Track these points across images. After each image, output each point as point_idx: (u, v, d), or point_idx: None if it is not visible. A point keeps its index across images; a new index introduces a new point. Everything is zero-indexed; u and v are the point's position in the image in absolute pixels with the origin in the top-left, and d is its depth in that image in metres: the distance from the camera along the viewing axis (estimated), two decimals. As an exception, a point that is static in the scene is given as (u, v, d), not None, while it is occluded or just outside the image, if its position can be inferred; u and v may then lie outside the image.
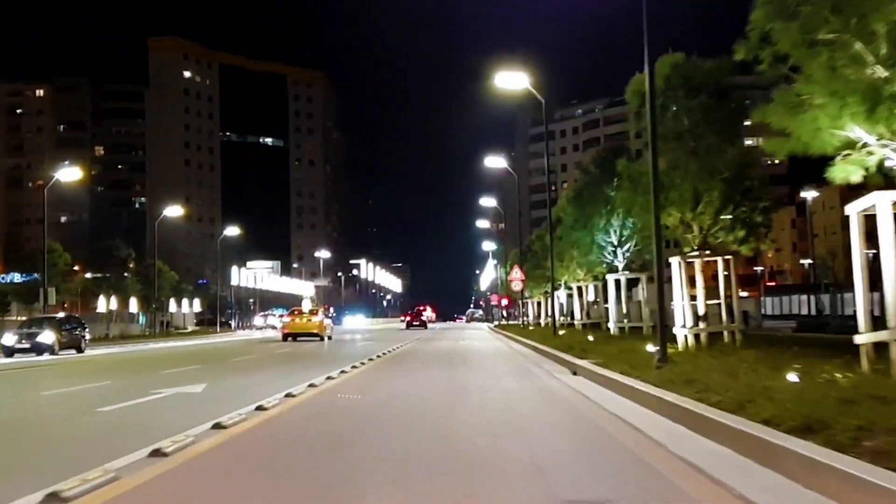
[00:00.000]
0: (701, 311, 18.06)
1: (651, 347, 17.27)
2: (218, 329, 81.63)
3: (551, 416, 9.63)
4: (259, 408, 9.90)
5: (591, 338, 23.68)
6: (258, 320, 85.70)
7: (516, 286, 41.74)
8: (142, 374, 18.58)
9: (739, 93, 18.37)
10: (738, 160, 17.90)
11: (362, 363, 19.24)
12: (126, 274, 66.75)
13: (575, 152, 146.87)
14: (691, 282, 18.20)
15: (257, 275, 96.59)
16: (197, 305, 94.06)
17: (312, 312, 42.56)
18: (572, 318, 47.52)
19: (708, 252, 18.23)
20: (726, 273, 18.36)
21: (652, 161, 14.69)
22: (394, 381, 14.54)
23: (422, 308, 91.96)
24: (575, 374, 15.73)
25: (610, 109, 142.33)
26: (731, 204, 17.86)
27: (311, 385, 13.02)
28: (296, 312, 43.67)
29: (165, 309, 79.39)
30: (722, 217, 17.95)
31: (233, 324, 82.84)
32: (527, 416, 9.54)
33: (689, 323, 18.03)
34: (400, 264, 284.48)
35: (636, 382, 11.13)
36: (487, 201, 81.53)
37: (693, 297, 18.20)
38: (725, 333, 18.31)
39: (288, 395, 11.41)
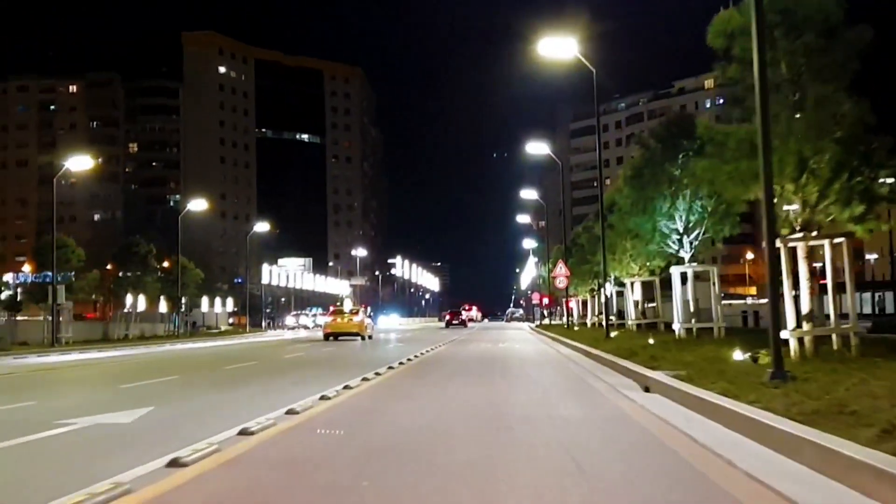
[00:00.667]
0: (805, 309, 13.92)
1: (739, 355, 13.54)
2: (247, 329, 78.66)
3: (648, 477, 5.83)
4: (174, 462, 6.22)
5: (651, 341, 19.91)
6: (290, 320, 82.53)
7: (560, 283, 37.80)
8: (87, 389, 15.14)
9: (854, 30, 13.65)
10: (856, 116, 13.36)
11: (377, 373, 15.56)
12: (140, 272, 63.49)
13: (618, 147, 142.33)
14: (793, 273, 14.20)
15: (290, 272, 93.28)
16: (231, 305, 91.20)
17: (353, 312, 42.06)
18: (621, 317, 43.61)
19: (814, 234, 13.97)
20: (838, 261, 14.30)
21: (761, 103, 10.64)
22: (409, 404, 10.71)
23: (468, 307, 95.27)
24: (647, 390, 11.93)
25: (655, 102, 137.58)
26: (847, 171, 13.43)
27: (290, 412, 9.33)
28: (336, 312, 42.98)
29: (193, 308, 76.68)
30: (834, 188, 13.54)
31: (263, 324, 79.77)
32: (608, 478, 5.80)
33: (792, 324, 13.96)
34: (438, 263, 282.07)
35: (757, 412, 7.29)
36: (528, 193, 77.56)
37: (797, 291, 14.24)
38: (834, 337, 14.24)
39: (243, 433, 7.74)
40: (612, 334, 25.15)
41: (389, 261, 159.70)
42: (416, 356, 21.97)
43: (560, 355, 21.12)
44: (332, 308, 51.52)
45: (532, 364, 18.24)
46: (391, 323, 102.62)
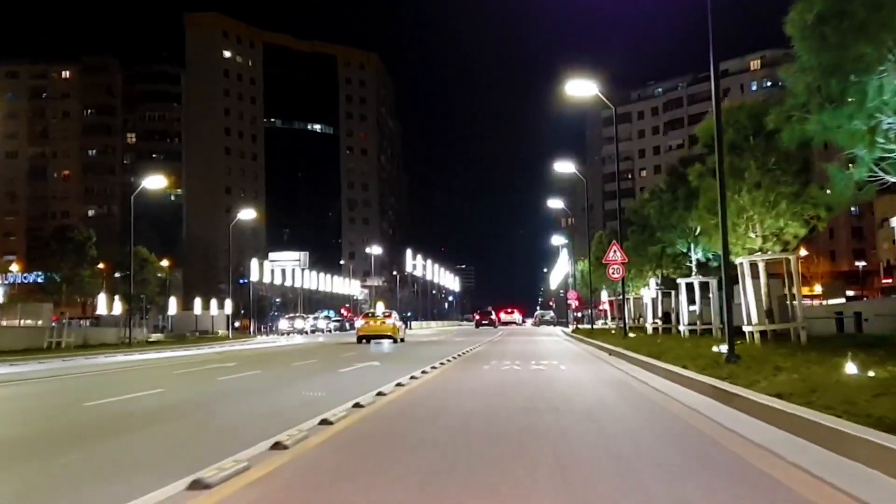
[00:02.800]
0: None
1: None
2: (230, 335, 69.68)
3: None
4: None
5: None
6: (283, 324, 72.80)
7: (615, 273, 27.94)
8: None
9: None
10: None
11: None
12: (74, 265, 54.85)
13: (654, 136, 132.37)
14: None
15: (285, 270, 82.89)
16: (228, 307, 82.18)
17: (386, 315, 43.10)
18: (667, 320, 34.44)
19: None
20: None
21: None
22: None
23: (510, 310, 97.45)
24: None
25: (695, 86, 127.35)
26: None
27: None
28: (369, 315, 44.81)
29: (146, 309, 68.10)
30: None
31: (252, 328, 70.26)
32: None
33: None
34: (463, 266, 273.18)
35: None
36: (555, 203, 68.43)
37: None
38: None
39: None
40: (718, 347, 15.62)
41: (410, 262, 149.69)
42: (396, 388, 12.81)
43: (666, 403, 11.27)
44: (368, 311, 54.77)
45: (627, 440, 9.03)
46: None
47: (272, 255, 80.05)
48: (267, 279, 78.47)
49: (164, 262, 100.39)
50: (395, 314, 43.62)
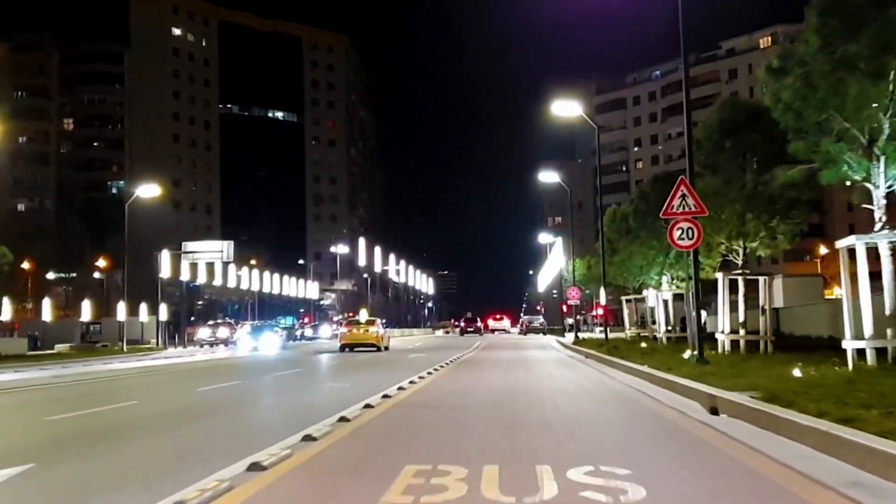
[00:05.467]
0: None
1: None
2: (159, 344, 57.97)
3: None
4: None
5: None
6: (203, 332, 60.34)
7: (683, 236, 15.44)
8: None
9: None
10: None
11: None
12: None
13: (652, 124, 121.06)
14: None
15: (203, 264, 68.47)
16: (164, 312, 70.34)
17: (370, 323, 42.36)
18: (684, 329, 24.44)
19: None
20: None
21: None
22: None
23: (499, 316, 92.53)
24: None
25: (699, 67, 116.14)
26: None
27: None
28: (352, 323, 44.91)
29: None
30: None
31: (158, 339, 57.64)
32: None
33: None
34: (445, 272, 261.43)
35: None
36: (549, 177, 57.27)
37: None
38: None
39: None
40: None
41: (379, 262, 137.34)
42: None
43: None
44: (350, 318, 54.14)
45: None
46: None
47: (189, 246, 67.08)
48: (185, 275, 66.02)
49: (101, 262, 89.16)
50: (379, 322, 42.47)
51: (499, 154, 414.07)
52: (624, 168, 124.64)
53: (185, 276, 73.92)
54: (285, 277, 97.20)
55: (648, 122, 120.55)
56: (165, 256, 60.28)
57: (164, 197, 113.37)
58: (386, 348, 40.36)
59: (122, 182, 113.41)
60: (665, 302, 31.96)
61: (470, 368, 22.22)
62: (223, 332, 59.80)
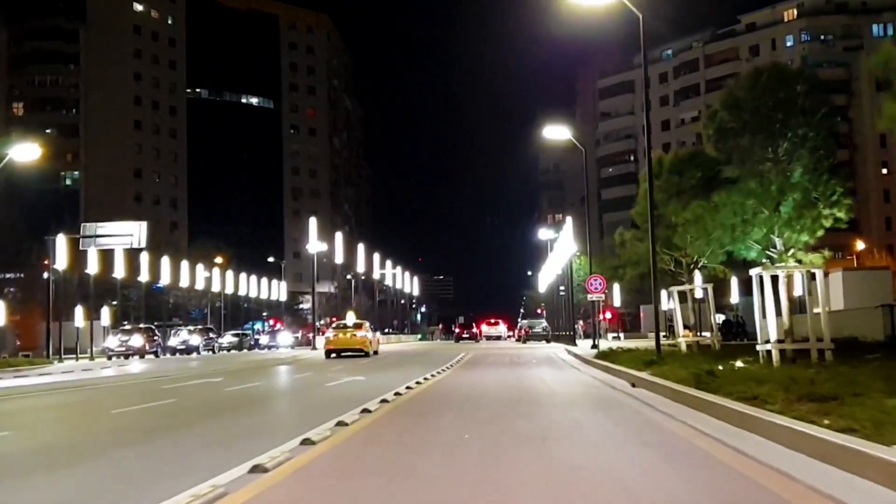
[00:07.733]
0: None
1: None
2: (91, 354, 48.51)
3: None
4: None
5: None
6: (111, 341, 50.04)
7: None
8: None
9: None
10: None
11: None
12: None
13: (663, 107, 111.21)
14: None
15: (114, 250, 56.72)
16: (112, 316, 60.37)
17: (357, 326, 40.80)
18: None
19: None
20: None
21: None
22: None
23: (494, 321, 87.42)
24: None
25: (715, 44, 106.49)
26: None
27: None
28: (339, 327, 42.16)
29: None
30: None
31: (49, 347, 47.17)
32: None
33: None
34: (441, 276, 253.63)
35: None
36: (558, 133, 46.22)
37: None
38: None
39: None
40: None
41: (361, 262, 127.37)
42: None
43: None
44: (337, 322, 51.58)
45: None
46: None
47: (90, 229, 56.33)
48: (93, 267, 55.30)
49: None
50: (367, 325, 41.79)
51: (498, 154, 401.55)
52: (632, 157, 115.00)
53: (143, 276, 65.09)
54: (253, 278, 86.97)
55: (659, 107, 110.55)
56: (61, 242, 49.50)
57: (125, 189, 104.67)
58: (375, 353, 39.50)
59: (76, 173, 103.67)
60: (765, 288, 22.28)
61: (410, 429, 10.84)
62: (137, 339, 49.68)
